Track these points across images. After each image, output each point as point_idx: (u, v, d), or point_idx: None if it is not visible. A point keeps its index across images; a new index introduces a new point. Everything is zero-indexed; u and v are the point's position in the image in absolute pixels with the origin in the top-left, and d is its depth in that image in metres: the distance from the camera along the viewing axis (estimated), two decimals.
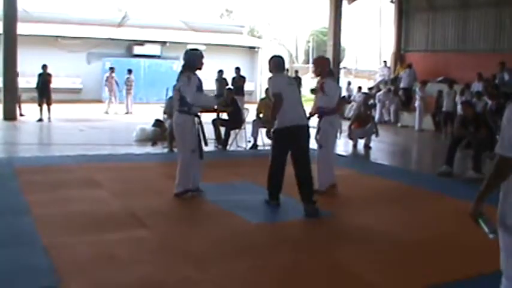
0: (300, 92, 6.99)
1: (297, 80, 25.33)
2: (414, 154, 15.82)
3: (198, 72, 8.03)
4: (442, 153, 11.23)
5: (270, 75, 7.68)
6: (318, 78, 8.99)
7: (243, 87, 20.75)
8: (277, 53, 8.00)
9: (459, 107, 17.61)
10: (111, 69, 24.86)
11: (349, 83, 26.91)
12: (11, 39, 18.87)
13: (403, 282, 5.10)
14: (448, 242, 6.33)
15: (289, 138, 7.35)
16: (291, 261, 5.50)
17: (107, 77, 24.63)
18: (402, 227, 6.89)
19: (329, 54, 23.67)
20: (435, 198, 8.74)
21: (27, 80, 22.11)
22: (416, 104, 20.29)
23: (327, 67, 8.77)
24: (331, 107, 8.52)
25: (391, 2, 26.18)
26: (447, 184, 9.99)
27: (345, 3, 24.75)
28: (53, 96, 19.65)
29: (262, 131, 13.59)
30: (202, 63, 8.06)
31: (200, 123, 8.22)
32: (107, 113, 23.42)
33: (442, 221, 7.30)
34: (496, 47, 21.11)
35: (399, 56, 25.35)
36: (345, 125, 14.38)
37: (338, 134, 9.63)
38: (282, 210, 7.66)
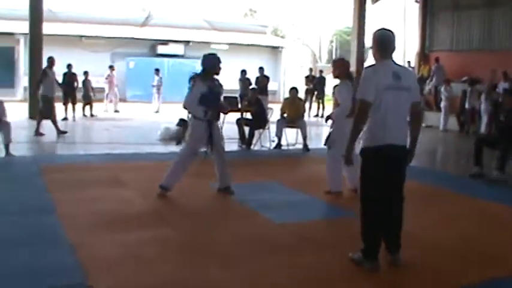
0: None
1: (322, 80, 25.35)
2: (442, 154, 15.68)
3: (218, 75, 8.13)
4: (467, 153, 11.12)
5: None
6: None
7: (266, 86, 20.76)
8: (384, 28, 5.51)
9: (483, 106, 17.73)
10: (111, 67, 24.89)
11: None
12: (37, 39, 19.10)
13: (432, 284, 5.06)
14: (477, 242, 6.29)
15: (382, 163, 5.23)
16: (316, 262, 5.45)
17: (108, 75, 24.54)
18: (428, 228, 6.83)
19: (353, 54, 23.65)
20: (461, 200, 8.66)
21: None
22: (442, 104, 20.19)
23: (346, 69, 8.67)
24: (345, 111, 8.24)
25: (416, 1, 25.99)
26: (472, 185, 9.91)
27: (368, 2, 24.69)
28: (77, 95, 19.88)
29: (286, 131, 13.57)
30: (220, 68, 8.09)
31: (217, 129, 8.30)
32: (106, 111, 23.50)
33: (468, 222, 7.25)
34: None
35: (423, 56, 25.17)
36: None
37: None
38: (307, 210, 7.65)
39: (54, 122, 14.98)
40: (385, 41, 5.31)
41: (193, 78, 8.02)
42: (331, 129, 8.67)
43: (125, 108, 24.93)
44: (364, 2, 23.63)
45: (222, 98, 8.56)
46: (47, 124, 14.90)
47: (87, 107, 21.08)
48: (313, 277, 5.11)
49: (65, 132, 14.98)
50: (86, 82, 21.37)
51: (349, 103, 8.04)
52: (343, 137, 8.29)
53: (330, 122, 8.82)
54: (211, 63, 8.04)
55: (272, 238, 6.24)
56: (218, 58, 8.14)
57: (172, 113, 17.77)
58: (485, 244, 6.26)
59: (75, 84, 19.78)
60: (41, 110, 15.01)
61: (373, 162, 5.22)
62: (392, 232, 5.36)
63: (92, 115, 21.00)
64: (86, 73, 21.73)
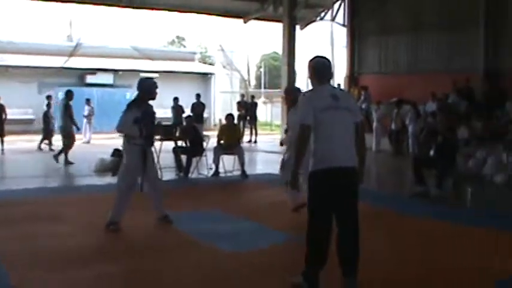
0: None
1: (254, 106, 25.42)
2: (379, 175, 15.87)
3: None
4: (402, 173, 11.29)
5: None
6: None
7: (202, 114, 20.67)
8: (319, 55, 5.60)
9: (410, 128, 18.55)
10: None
11: None
12: None
13: None
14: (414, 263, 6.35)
15: (331, 186, 5.17)
16: None
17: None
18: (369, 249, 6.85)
19: (284, 79, 23.80)
20: (402, 218, 8.82)
21: None
22: (374, 125, 20.54)
23: (296, 96, 8.80)
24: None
25: (343, 25, 26.46)
26: (412, 203, 10.07)
27: (297, 27, 24.98)
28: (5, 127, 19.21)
29: (224, 158, 13.49)
30: (156, 93, 7.99)
31: (151, 155, 8.15)
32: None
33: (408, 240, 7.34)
34: (447, 68, 21.50)
35: (353, 79, 25.61)
36: None
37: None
38: (253, 237, 7.59)
39: None
40: (321, 68, 5.41)
41: (129, 105, 7.89)
42: (285, 154, 8.84)
43: (54, 139, 24.21)
44: (294, 28, 23.89)
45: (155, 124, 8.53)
46: None
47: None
48: None
49: None
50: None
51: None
52: None
53: (283, 146, 9.07)
54: (147, 88, 7.93)
55: (222, 268, 6.12)
56: (155, 83, 8.07)
57: (104, 143, 17.48)
58: (431, 262, 6.33)
59: (3, 116, 19.09)
60: None
61: (321, 185, 5.18)
62: (347, 258, 5.28)
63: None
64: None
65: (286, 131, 8.97)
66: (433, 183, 10.76)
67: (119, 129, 7.92)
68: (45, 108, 20.69)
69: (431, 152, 11.52)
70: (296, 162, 5.26)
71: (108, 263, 6.34)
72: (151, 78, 8.21)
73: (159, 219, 8.18)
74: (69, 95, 15.88)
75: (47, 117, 20.49)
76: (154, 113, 8.17)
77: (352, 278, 5.27)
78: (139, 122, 7.70)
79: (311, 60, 5.45)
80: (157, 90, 8.00)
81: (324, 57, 5.55)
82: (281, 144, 8.93)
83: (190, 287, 5.53)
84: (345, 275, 5.28)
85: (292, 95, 8.87)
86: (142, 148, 7.82)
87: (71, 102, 15.81)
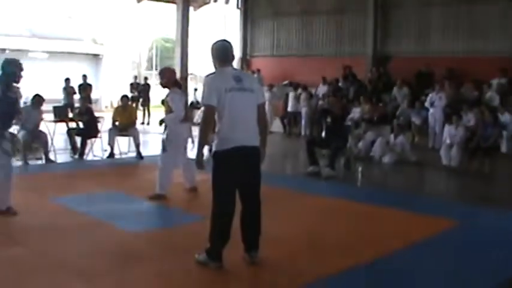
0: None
1: (146, 87, 25.22)
2: (273, 156, 16.15)
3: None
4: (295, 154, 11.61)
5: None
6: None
7: (90, 95, 20.23)
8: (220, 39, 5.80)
9: (303, 110, 19.10)
10: None
11: (195, 90, 27.08)
12: None
13: (289, 277, 5.29)
14: (324, 235, 6.74)
15: (234, 165, 5.35)
16: (180, 269, 5.49)
17: None
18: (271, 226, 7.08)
19: (177, 62, 23.70)
20: (299, 197, 9.12)
21: None
22: (266, 107, 20.84)
23: (172, 78, 8.96)
24: (179, 117, 8.68)
25: (238, 8, 26.63)
26: (307, 183, 10.44)
27: (191, 10, 24.90)
28: None
29: (118, 139, 13.38)
30: (20, 76, 7.52)
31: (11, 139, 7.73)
32: None
33: (313, 217, 7.74)
34: (338, 52, 22.15)
35: (245, 61, 25.88)
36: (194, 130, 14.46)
37: (190, 140, 9.99)
38: (156, 217, 7.73)
39: None
40: (223, 50, 5.56)
41: None
42: (165, 134, 8.87)
43: None
44: (187, 10, 23.81)
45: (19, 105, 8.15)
46: None
47: None
48: (184, 284, 5.19)
49: None
50: None
51: (182, 109, 8.68)
52: (177, 140, 8.75)
53: (162, 126, 9.02)
54: (11, 69, 7.44)
55: (129, 248, 6.16)
56: (20, 63, 7.55)
57: None
58: (332, 236, 6.72)
59: None
60: None
61: (225, 164, 5.35)
62: (250, 231, 5.52)
63: None
64: None
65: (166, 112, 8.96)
66: (325, 163, 11.20)
67: None
68: None
69: (323, 134, 11.93)
70: (200, 143, 5.41)
71: (14, 246, 6.20)
72: (15, 60, 7.79)
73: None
74: None
75: None
76: (17, 98, 7.78)
77: (254, 252, 5.52)
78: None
79: (214, 44, 5.58)
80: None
81: (226, 40, 5.71)
82: (160, 123, 8.98)
83: (104, 267, 5.53)
84: (248, 250, 5.53)
85: (166, 77, 8.86)
86: None
87: None
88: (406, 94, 18.01)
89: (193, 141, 10.32)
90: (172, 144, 8.67)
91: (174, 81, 8.92)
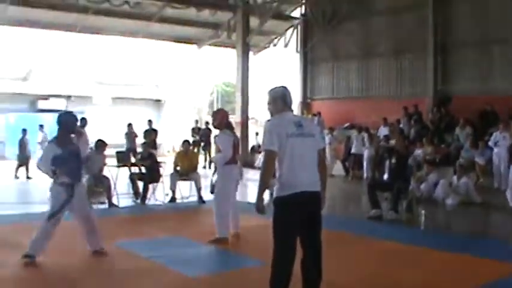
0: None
1: (207, 132, 25.47)
2: (336, 199, 16.05)
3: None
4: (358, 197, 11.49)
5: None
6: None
7: (155, 140, 20.52)
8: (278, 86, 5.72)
9: (366, 152, 18.99)
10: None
11: (257, 134, 27.19)
12: None
13: None
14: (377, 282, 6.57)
15: (295, 211, 5.28)
16: None
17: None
18: (334, 272, 6.99)
19: (237, 106, 24.01)
20: (361, 241, 8.98)
21: None
22: (327, 150, 20.83)
23: (224, 119, 9.09)
24: (227, 158, 8.75)
25: (297, 52, 26.86)
26: (370, 226, 10.29)
27: (250, 54, 25.27)
28: None
29: (180, 184, 13.52)
30: (76, 128, 7.82)
31: (80, 191, 7.71)
32: None
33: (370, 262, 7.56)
34: (398, 93, 22.03)
35: (306, 105, 25.97)
36: (255, 174, 14.50)
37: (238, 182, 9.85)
38: (217, 262, 7.75)
39: None
40: (282, 96, 5.52)
41: (50, 141, 7.66)
42: (214, 176, 9.05)
43: (5, 167, 23.65)
44: (247, 55, 24.17)
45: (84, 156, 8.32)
46: None
47: None
48: None
49: None
50: None
51: (230, 149, 8.74)
52: (227, 183, 8.78)
53: (212, 166, 9.20)
54: (67, 122, 7.63)
55: None
56: (75, 117, 7.81)
57: None
58: (394, 282, 6.59)
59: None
60: None
61: (286, 210, 5.28)
62: (311, 278, 5.40)
63: None
64: None
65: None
66: (387, 206, 11.04)
67: (38, 166, 7.61)
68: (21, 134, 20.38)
69: (385, 176, 11.78)
70: (260, 188, 5.38)
71: None
72: (70, 112, 8.00)
73: (94, 253, 7.80)
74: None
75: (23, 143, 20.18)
76: (78, 148, 7.80)
77: None
78: (57, 163, 7.38)
79: (271, 90, 5.60)
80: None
81: (283, 86, 5.69)
82: (210, 162, 9.17)
83: None
84: None
85: (218, 118, 9.03)
86: (67, 187, 7.43)
87: None
88: (469, 134, 17.71)
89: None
90: (221, 187, 8.76)
91: (226, 122, 9.06)
